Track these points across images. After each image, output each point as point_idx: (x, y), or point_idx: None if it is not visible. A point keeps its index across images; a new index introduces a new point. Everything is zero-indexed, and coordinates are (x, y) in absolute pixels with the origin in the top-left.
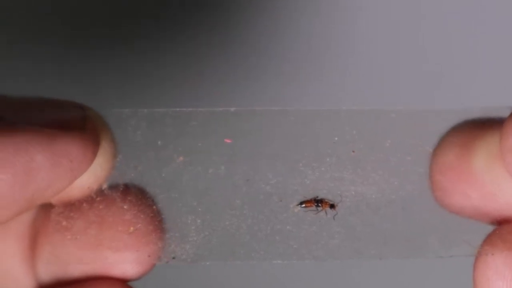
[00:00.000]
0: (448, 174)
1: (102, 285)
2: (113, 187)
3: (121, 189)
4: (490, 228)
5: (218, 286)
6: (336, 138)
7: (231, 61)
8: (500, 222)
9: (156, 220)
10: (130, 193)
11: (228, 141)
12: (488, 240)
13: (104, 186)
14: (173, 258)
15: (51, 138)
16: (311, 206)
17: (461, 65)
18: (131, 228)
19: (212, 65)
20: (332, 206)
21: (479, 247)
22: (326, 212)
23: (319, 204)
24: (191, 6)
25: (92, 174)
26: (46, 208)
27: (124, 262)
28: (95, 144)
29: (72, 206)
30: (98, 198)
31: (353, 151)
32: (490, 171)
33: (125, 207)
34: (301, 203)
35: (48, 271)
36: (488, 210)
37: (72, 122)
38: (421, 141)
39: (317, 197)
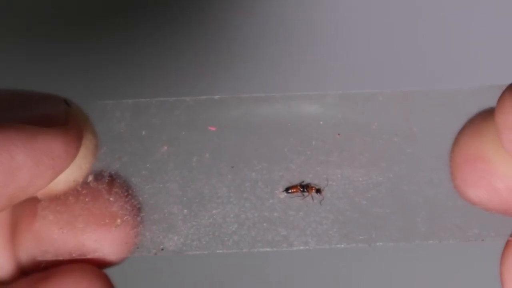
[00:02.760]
0: (469, 166)
1: (78, 270)
2: (98, 179)
3: (106, 181)
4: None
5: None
6: (321, 122)
7: (214, 49)
8: None
9: (143, 211)
10: (116, 184)
11: (212, 128)
12: None
13: (90, 178)
14: (162, 249)
15: (33, 136)
16: (297, 191)
17: (449, 45)
18: (118, 220)
19: (195, 53)
20: (318, 190)
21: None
22: (312, 197)
23: (305, 189)
24: None
25: (77, 168)
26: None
27: (103, 248)
28: (78, 140)
29: (58, 200)
30: (84, 191)
31: (339, 134)
32: (503, 158)
33: (111, 199)
34: (287, 189)
35: (29, 256)
36: None
37: (54, 117)
38: (407, 122)
39: (303, 182)
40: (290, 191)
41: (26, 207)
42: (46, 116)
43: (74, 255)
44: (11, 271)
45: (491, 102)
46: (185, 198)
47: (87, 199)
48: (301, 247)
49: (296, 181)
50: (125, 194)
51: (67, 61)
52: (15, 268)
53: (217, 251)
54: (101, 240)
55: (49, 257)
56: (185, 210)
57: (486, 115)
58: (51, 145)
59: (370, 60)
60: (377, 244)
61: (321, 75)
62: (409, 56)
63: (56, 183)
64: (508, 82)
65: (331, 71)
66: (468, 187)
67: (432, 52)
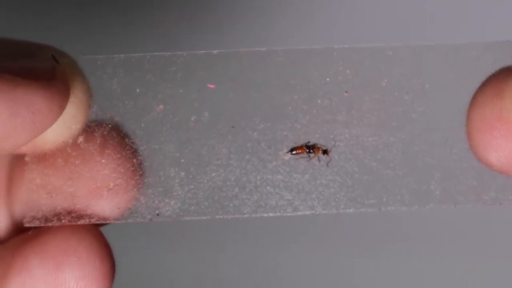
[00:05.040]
0: (489, 127)
1: (75, 229)
2: (89, 140)
3: (98, 141)
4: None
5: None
6: (327, 79)
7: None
8: None
9: (137, 174)
10: (108, 145)
11: (211, 86)
12: None
13: (80, 139)
14: (157, 214)
15: (12, 86)
16: (302, 152)
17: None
18: (111, 184)
19: (192, 4)
20: (325, 151)
21: None
22: (319, 159)
23: (311, 150)
24: None
25: (66, 127)
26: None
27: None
28: (64, 96)
29: (46, 162)
30: (74, 153)
31: (346, 92)
32: None
33: (103, 161)
34: (292, 149)
35: (23, 212)
36: None
37: (40, 71)
38: (419, 78)
39: (309, 142)
40: (294, 152)
41: (21, 166)
42: (31, 69)
43: (63, 221)
44: (7, 228)
45: (507, 57)
46: (182, 160)
47: (77, 161)
48: (307, 212)
49: (301, 141)
50: (118, 155)
51: (61, 14)
52: (10, 226)
53: (217, 216)
54: (92, 205)
55: (36, 223)
56: (182, 173)
57: (506, 73)
58: (31, 98)
59: (379, 12)
60: (388, 208)
61: (327, 28)
62: (421, 7)
63: (44, 142)
64: None
65: (338, 23)
66: (488, 151)
67: (445, 4)
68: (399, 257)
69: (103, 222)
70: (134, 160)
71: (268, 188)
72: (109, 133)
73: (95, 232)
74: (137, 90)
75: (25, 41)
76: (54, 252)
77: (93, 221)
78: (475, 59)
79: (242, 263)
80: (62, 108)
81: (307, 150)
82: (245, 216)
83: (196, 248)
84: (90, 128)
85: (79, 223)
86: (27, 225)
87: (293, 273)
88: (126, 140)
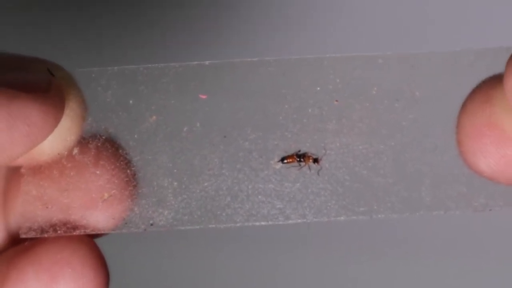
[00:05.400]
0: (478, 134)
1: (70, 241)
2: (84, 152)
3: (92, 153)
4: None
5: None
6: (318, 88)
7: (206, 12)
8: None
9: (131, 184)
10: (102, 157)
11: (203, 96)
12: None
13: (75, 151)
14: (151, 224)
15: (8, 99)
16: (293, 161)
17: (453, 4)
18: (105, 195)
19: (185, 17)
20: (315, 160)
21: None
22: (309, 167)
23: (302, 159)
24: None
25: (61, 139)
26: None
27: (89, 224)
28: (59, 109)
29: (42, 174)
30: (69, 164)
31: (337, 100)
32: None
33: (97, 172)
34: (283, 158)
35: (19, 223)
36: None
37: (35, 84)
38: (409, 86)
39: (299, 151)
40: (286, 161)
41: (17, 179)
42: (27, 82)
43: (59, 232)
44: (2, 240)
45: (498, 65)
46: (175, 170)
47: (72, 173)
48: (299, 220)
49: (292, 150)
50: (113, 167)
51: (55, 28)
52: (6, 237)
53: (210, 225)
54: (87, 216)
55: (32, 234)
56: (175, 183)
57: (496, 81)
58: (27, 111)
59: (369, 21)
60: (379, 216)
61: (318, 38)
62: (411, 16)
63: (39, 155)
64: None
65: (328, 33)
66: (478, 157)
67: (435, 12)
68: (393, 262)
69: (98, 232)
70: (128, 171)
71: (259, 197)
72: (103, 145)
73: (90, 243)
74: (130, 101)
75: (21, 55)
76: (48, 264)
77: (88, 231)
78: (466, 67)
79: (236, 268)
80: (57, 120)
81: (298, 159)
82: (238, 225)
83: (191, 256)
84: (84, 140)
85: (74, 233)
86: (23, 236)
87: (288, 278)
88: (120, 151)
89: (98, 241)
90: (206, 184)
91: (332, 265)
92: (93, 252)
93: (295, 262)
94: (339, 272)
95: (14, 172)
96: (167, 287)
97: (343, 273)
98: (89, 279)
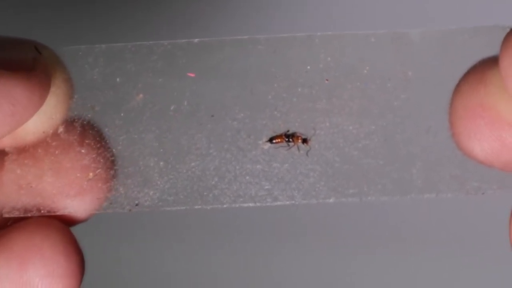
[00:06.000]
0: (472, 116)
1: (41, 228)
2: (69, 130)
3: (78, 132)
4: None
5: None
6: (308, 67)
7: None
8: None
9: (116, 164)
10: (88, 136)
11: (191, 75)
12: None
13: (60, 129)
14: (136, 205)
15: None
16: (281, 141)
17: None
18: (90, 174)
19: None
20: (304, 140)
21: None
22: (298, 148)
23: (291, 139)
24: None
25: (47, 117)
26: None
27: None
28: (43, 88)
29: (27, 153)
30: (54, 143)
31: (327, 80)
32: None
33: (83, 151)
34: (271, 138)
35: (2, 203)
36: None
37: (20, 63)
38: (402, 65)
39: (288, 131)
40: (274, 141)
41: (1, 157)
42: (11, 60)
43: (43, 211)
44: None
45: (493, 44)
46: (161, 150)
47: (57, 152)
48: (287, 202)
49: (281, 130)
50: (98, 146)
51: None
52: None
53: (196, 206)
54: (71, 195)
55: (16, 214)
56: (162, 163)
57: (490, 62)
58: (12, 90)
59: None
60: (369, 198)
61: (308, 15)
62: None
63: (24, 134)
64: None
65: (320, 10)
66: (472, 141)
67: None
68: (392, 256)
69: (83, 213)
70: (114, 150)
71: (247, 177)
72: (89, 123)
73: (62, 229)
74: (118, 79)
75: (5, 35)
76: (18, 250)
77: (73, 212)
78: (461, 46)
79: (235, 268)
80: (42, 99)
81: (287, 139)
82: (224, 206)
83: (190, 255)
84: (70, 118)
85: (58, 213)
86: (6, 215)
87: (286, 272)
88: (106, 130)
89: (78, 227)
90: (193, 164)
91: (330, 262)
92: (65, 238)
93: (292, 258)
94: (337, 269)
95: None
96: (167, 286)
97: (341, 269)
98: (60, 265)
